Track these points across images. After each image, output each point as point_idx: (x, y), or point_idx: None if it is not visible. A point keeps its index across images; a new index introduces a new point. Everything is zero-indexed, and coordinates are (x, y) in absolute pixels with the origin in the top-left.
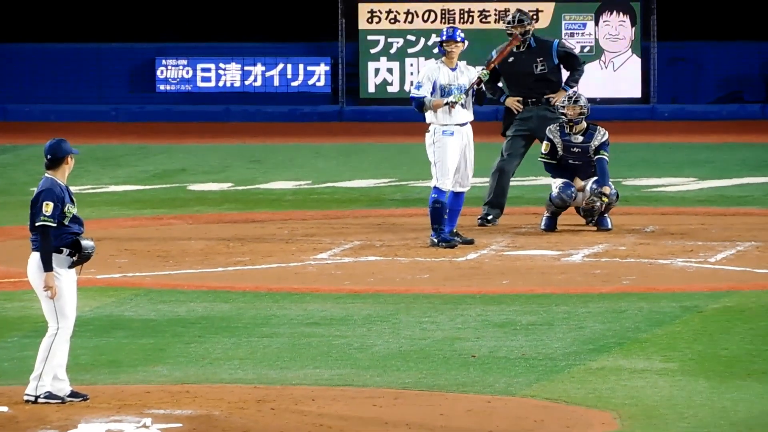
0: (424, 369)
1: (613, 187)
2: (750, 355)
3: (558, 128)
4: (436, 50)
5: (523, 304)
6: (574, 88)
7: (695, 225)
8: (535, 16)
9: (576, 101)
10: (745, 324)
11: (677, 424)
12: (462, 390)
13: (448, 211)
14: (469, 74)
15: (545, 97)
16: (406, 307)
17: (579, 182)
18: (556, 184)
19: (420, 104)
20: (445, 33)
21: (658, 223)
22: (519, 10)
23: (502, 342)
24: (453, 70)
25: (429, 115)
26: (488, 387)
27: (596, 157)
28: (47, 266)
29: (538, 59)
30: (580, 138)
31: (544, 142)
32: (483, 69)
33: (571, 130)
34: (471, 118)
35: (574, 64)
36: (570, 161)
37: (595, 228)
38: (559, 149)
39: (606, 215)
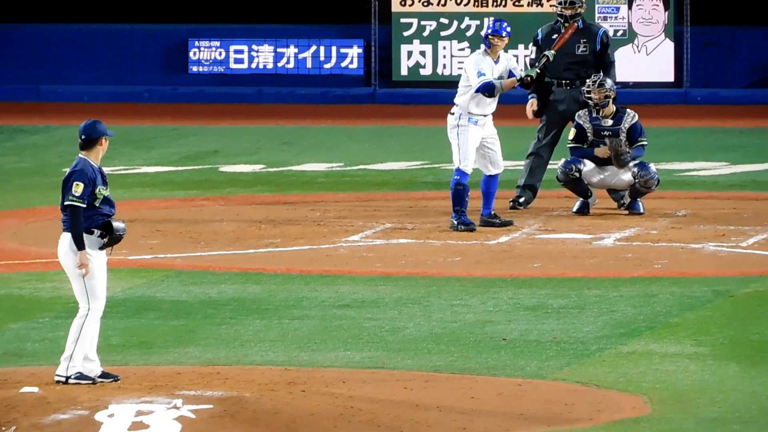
0: (455, 352)
1: (655, 171)
2: None
3: (587, 113)
4: (482, 45)
5: (555, 287)
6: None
7: (727, 209)
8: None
9: (601, 84)
10: None
11: (708, 409)
12: (493, 373)
13: (483, 193)
14: (509, 63)
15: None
16: (437, 289)
17: (608, 170)
18: (560, 162)
19: (491, 88)
20: (491, 27)
21: (690, 208)
22: None
23: (533, 325)
24: (496, 62)
25: (459, 100)
26: (519, 370)
27: (635, 145)
28: (79, 245)
29: (581, 40)
30: (610, 122)
31: (572, 129)
32: (550, 50)
33: (599, 114)
34: (493, 110)
35: (607, 59)
36: (601, 146)
37: (626, 212)
38: (589, 134)
39: (639, 199)
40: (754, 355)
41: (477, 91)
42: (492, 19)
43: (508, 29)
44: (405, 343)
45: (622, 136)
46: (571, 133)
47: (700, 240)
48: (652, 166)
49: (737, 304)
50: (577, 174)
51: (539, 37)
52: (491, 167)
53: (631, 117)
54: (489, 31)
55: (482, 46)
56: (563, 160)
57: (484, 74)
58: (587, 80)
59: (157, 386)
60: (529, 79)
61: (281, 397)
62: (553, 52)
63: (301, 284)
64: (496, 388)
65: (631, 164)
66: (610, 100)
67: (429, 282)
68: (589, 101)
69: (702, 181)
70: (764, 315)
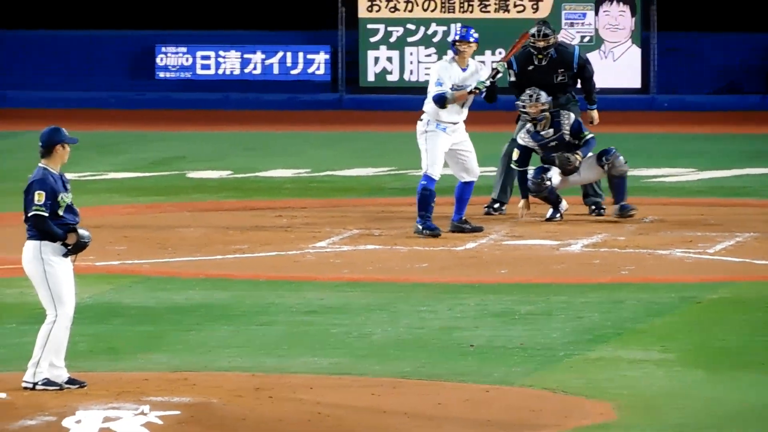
0: (422, 358)
1: (616, 150)
2: (747, 346)
3: (527, 134)
4: (449, 51)
5: (522, 293)
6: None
7: (694, 216)
8: (535, 6)
9: (537, 99)
10: (742, 315)
11: (674, 415)
12: (460, 379)
13: (456, 199)
14: (478, 75)
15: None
16: (404, 295)
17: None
18: (529, 173)
19: (443, 99)
20: (458, 33)
21: (657, 214)
22: (544, 23)
23: (500, 331)
24: (464, 70)
25: (428, 107)
26: (486, 376)
27: (584, 140)
28: (57, 238)
29: (559, 70)
30: (551, 131)
31: (515, 150)
32: (498, 61)
33: (539, 128)
34: (464, 117)
35: (585, 74)
36: (553, 154)
37: (594, 216)
38: (538, 152)
39: (625, 200)
40: (721, 362)
41: (433, 100)
42: (459, 25)
43: (476, 35)
44: (372, 349)
45: (568, 138)
46: (515, 154)
47: (667, 246)
48: (613, 149)
49: (704, 311)
50: (548, 183)
51: (515, 68)
52: (465, 175)
53: (566, 118)
54: (456, 37)
55: (449, 53)
56: (532, 170)
57: (441, 84)
58: (522, 95)
59: (125, 392)
60: (477, 91)
61: (248, 403)
62: (503, 63)
63: (268, 290)
64: (463, 395)
65: (590, 158)
66: (546, 113)
67: (396, 288)
68: (525, 116)
69: (669, 187)
70: (730, 321)
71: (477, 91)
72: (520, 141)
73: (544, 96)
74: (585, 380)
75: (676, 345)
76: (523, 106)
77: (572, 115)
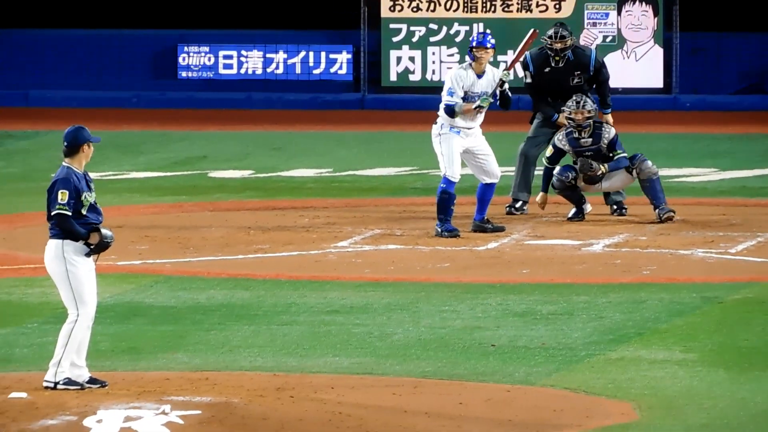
0: (443, 358)
1: (642, 155)
2: None
3: (565, 136)
4: (467, 57)
5: (543, 293)
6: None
7: (716, 216)
8: (557, 6)
9: (583, 106)
10: (765, 315)
11: (697, 415)
12: (481, 379)
13: (478, 199)
14: (494, 82)
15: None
16: (426, 295)
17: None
18: (555, 170)
19: (452, 111)
20: (475, 39)
21: (679, 214)
22: (561, 24)
23: (521, 331)
24: (480, 76)
25: (442, 111)
26: (508, 376)
27: (616, 158)
28: (80, 237)
29: (575, 72)
30: (590, 140)
31: (549, 147)
32: (504, 71)
33: (579, 134)
34: (480, 122)
35: (601, 78)
36: (578, 158)
37: (616, 216)
38: (571, 156)
39: (664, 202)
40: (743, 362)
41: (444, 110)
42: (482, 25)
43: (493, 41)
44: (394, 349)
45: (604, 151)
46: (548, 150)
47: (689, 246)
48: (639, 154)
49: (726, 311)
50: (573, 181)
51: (531, 70)
52: (486, 177)
53: (608, 132)
54: (473, 43)
55: (467, 58)
56: (558, 168)
57: (452, 94)
58: (568, 101)
59: (146, 392)
60: (481, 109)
61: (270, 402)
62: (506, 73)
63: (289, 290)
64: (485, 394)
65: (619, 169)
66: (591, 121)
67: (418, 288)
68: (570, 122)
69: (691, 187)
70: (753, 321)
71: (481, 109)
72: (557, 142)
73: (589, 103)
74: (606, 380)
75: (698, 345)
76: (569, 113)
77: (613, 130)
